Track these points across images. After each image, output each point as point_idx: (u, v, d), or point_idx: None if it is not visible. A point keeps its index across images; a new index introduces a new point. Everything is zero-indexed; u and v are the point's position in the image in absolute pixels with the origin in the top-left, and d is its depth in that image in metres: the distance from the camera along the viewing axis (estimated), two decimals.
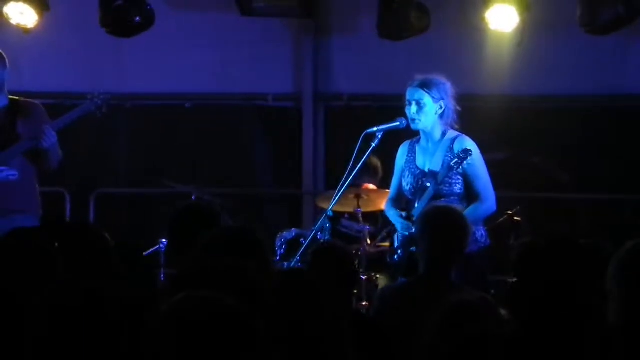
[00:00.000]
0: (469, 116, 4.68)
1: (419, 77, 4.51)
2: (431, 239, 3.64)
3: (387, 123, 4.58)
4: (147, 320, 2.07)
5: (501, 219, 5.24)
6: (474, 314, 2.55)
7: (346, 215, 5.74)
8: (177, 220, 3.61)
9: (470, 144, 4.43)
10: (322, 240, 5.05)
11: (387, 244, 5.07)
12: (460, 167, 4.32)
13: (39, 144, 4.78)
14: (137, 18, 6.30)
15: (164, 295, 2.73)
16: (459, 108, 4.52)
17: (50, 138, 4.78)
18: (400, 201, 4.68)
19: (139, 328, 2.15)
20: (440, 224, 3.66)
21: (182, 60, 7.10)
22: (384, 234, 5.46)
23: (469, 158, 4.31)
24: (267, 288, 2.91)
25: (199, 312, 1.93)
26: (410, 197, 4.57)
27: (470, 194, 4.42)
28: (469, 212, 4.36)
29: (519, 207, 5.32)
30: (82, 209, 7.09)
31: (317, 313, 2.50)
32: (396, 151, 4.68)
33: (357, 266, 3.81)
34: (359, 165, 4.61)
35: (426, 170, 4.50)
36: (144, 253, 5.78)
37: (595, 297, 2.57)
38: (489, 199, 4.43)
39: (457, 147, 4.42)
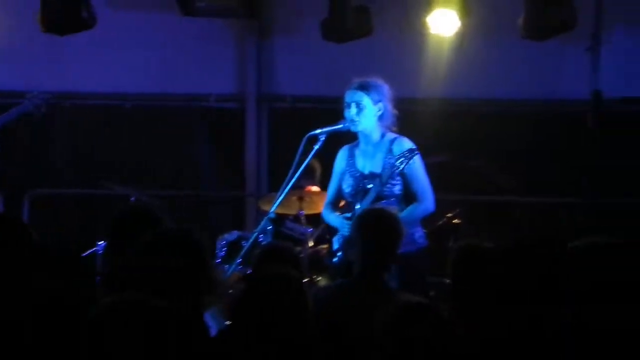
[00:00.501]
0: (409, 119, 4.74)
1: (358, 80, 4.55)
2: (363, 241, 3.67)
3: (331, 125, 4.60)
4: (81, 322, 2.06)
5: (441, 221, 5.32)
6: (422, 315, 2.58)
7: (290, 217, 5.74)
8: (117, 222, 3.56)
9: (409, 144, 4.49)
10: (267, 242, 5.05)
11: (325, 245, 5.09)
12: (405, 167, 4.34)
13: None
14: (79, 17, 6.21)
15: (98, 297, 2.70)
16: (395, 111, 4.57)
17: None
18: (337, 205, 4.71)
19: (75, 328, 2.14)
20: (373, 227, 3.69)
21: (123, 60, 7.01)
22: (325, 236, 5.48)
23: (414, 157, 4.34)
24: (205, 289, 2.91)
25: (124, 315, 1.93)
26: (350, 199, 4.60)
27: (409, 195, 4.47)
28: (407, 212, 4.41)
29: (458, 210, 5.40)
30: (16, 210, 6.94)
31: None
32: (337, 154, 4.71)
33: (302, 268, 3.83)
34: (301, 168, 4.62)
35: (366, 172, 4.53)
36: (81, 255, 5.71)
37: (534, 299, 2.62)
38: (427, 199, 4.48)
39: (396, 149, 4.47)
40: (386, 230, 3.68)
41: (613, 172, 6.63)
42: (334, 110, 4.63)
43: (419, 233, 4.50)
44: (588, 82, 6.51)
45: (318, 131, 4.59)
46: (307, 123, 4.98)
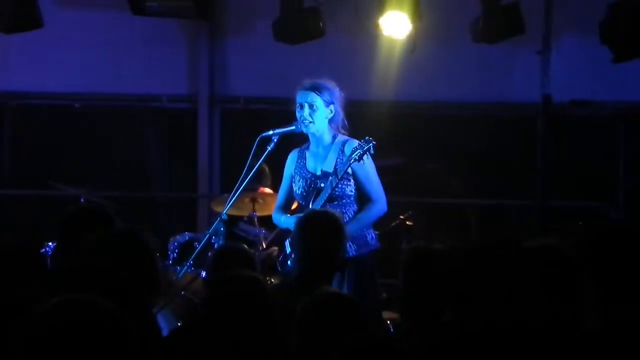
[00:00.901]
0: (361, 121, 4.74)
1: (309, 81, 4.53)
2: (303, 243, 3.64)
3: (283, 127, 4.58)
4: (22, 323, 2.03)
5: (394, 223, 5.33)
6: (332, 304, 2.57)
7: (245, 219, 5.71)
8: (69, 221, 3.51)
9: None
10: (222, 244, 5.00)
11: (276, 248, 5.07)
12: (363, 155, 4.31)
13: None
14: (26, 15, 6.10)
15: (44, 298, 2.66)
16: (343, 113, 4.56)
17: None
18: (288, 208, 4.69)
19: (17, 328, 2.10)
20: (314, 230, 3.66)
21: (72, 59, 6.90)
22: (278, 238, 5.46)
23: (371, 149, 4.30)
24: (154, 290, 2.87)
25: (71, 315, 1.90)
26: (301, 201, 4.58)
27: (361, 196, 4.46)
28: (362, 214, 4.40)
29: (411, 212, 5.42)
30: None
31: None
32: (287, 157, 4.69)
33: (257, 267, 3.79)
34: (254, 169, 4.59)
35: (318, 172, 4.52)
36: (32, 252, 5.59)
37: (486, 301, 2.63)
38: (379, 200, 4.47)
39: (347, 149, 4.46)
40: (328, 233, 3.64)
41: (563, 175, 6.74)
42: (286, 111, 4.60)
43: (371, 235, 4.50)
44: (538, 85, 6.60)
45: (271, 132, 4.56)
46: (259, 124, 4.95)
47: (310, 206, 4.46)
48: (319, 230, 3.64)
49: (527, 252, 2.71)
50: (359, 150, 4.32)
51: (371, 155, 4.33)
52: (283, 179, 4.67)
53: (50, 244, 5.25)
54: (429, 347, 2.57)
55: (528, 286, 2.62)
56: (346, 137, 4.53)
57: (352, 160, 4.32)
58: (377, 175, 4.50)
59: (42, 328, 1.91)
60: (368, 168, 4.44)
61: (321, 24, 6.15)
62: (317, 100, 4.48)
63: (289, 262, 4.54)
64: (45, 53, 6.84)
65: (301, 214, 4.09)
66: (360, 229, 4.39)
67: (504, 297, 2.59)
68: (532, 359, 2.53)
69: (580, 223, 5.89)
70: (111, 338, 1.91)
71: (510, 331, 2.54)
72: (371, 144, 4.31)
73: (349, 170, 4.39)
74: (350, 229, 4.17)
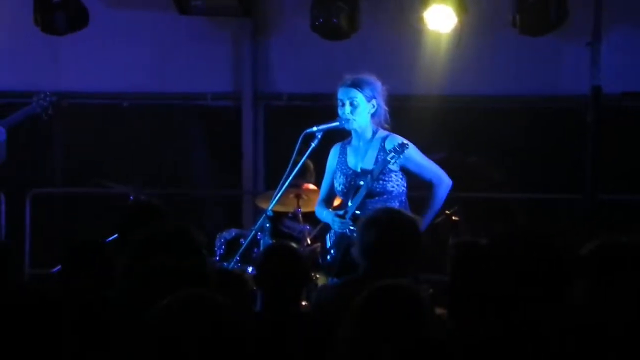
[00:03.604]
0: (405, 116, 4.72)
1: (350, 76, 4.50)
2: (380, 242, 3.57)
3: (327, 123, 4.58)
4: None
5: (439, 219, 5.30)
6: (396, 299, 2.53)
7: (290, 215, 5.73)
8: (129, 216, 3.56)
9: (399, 140, 4.45)
10: (269, 242, 5.04)
11: (319, 243, 5.07)
12: (397, 162, 4.32)
13: None
14: (75, 16, 6.23)
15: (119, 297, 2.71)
16: (386, 107, 4.53)
17: (0, 136, 4.71)
18: (330, 202, 4.69)
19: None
20: (392, 227, 3.60)
21: (119, 59, 7.00)
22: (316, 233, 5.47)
23: (405, 152, 4.32)
24: (206, 287, 2.89)
25: (194, 310, 1.94)
26: (342, 197, 4.58)
27: (422, 183, 4.47)
28: (431, 202, 4.45)
29: (456, 207, 5.37)
30: (18, 209, 6.95)
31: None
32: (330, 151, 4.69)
33: (308, 267, 3.78)
34: (298, 165, 4.60)
35: (358, 169, 4.51)
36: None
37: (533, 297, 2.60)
38: (441, 178, 4.51)
39: (388, 145, 4.44)
40: (404, 233, 3.55)
41: (612, 168, 6.62)
42: (329, 107, 4.60)
43: None
44: (587, 77, 6.49)
45: (314, 129, 4.56)
46: (303, 120, 4.96)
47: (350, 203, 4.46)
48: (401, 231, 3.56)
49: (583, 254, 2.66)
50: (393, 153, 4.34)
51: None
52: (325, 173, 4.67)
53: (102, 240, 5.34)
54: (478, 343, 2.54)
55: (575, 283, 2.58)
56: (387, 133, 4.51)
57: (387, 164, 4.33)
58: (425, 158, 4.51)
59: (165, 323, 1.92)
60: (414, 157, 4.43)
61: (358, 19, 6.13)
62: (358, 96, 4.46)
63: (327, 257, 4.55)
64: (93, 53, 6.95)
65: (371, 213, 4.01)
66: (437, 212, 4.54)
67: (550, 295, 2.56)
68: (579, 357, 2.49)
69: None
70: (231, 332, 1.92)
71: (557, 329, 2.51)
72: (406, 148, 4.33)
73: (394, 167, 4.38)
74: (428, 218, 4.29)
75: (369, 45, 6.48)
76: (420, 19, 6.05)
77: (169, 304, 1.97)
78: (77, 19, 6.25)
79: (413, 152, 4.40)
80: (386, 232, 3.51)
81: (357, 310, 2.46)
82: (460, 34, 6.13)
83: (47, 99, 5.00)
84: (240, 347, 1.94)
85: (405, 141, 4.40)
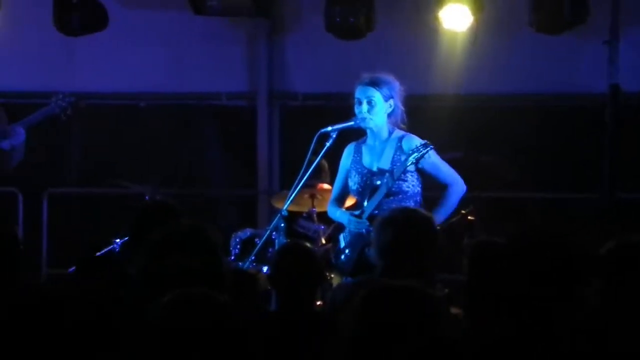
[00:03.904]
0: (421, 115, 4.70)
1: (368, 75, 4.49)
2: (397, 241, 3.55)
3: (342, 122, 4.57)
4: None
5: (455, 218, 5.28)
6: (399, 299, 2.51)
7: (304, 215, 5.73)
8: (139, 218, 3.57)
9: (418, 141, 4.43)
10: (283, 242, 5.03)
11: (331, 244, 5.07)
12: (419, 161, 4.30)
13: (9, 142, 4.73)
14: (93, 17, 6.26)
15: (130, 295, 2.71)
16: (403, 108, 4.52)
17: (19, 136, 4.75)
18: (343, 202, 4.68)
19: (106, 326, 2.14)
20: (408, 226, 3.58)
21: (135, 59, 7.03)
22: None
23: (428, 151, 4.29)
24: (218, 287, 2.89)
25: (191, 309, 1.92)
26: (357, 196, 4.56)
27: (438, 185, 4.47)
28: (444, 202, 4.42)
29: (472, 206, 5.35)
30: (35, 208, 6.99)
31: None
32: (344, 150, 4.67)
33: (322, 266, 3.77)
34: (313, 165, 4.59)
35: (374, 169, 4.50)
36: (98, 253, 5.73)
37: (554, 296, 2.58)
38: (455, 182, 4.49)
39: (405, 145, 4.43)
40: (421, 232, 3.55)
41: (630, 166, 6.56)
42: (345, 107, 4.59)
43: None
44: (605, 75, 6.44)
45: (329, 128, 4.56)
46: (318, 120, 4.95)
47: (366, 203, 4.45)
48: (409, 226, 3.55)
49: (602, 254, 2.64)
50: (415, 154, 4.30)
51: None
52: (338, 172, 4.66)
53: (117, 240, 5.37)
54: (494, 342, 2.53)
55: (590, 284, 2.56)
56: (403, 132, 4.50)
57: (409, 163, 4.31)
58: (443, 161, 4.49)
59: (163, 322, 1.92)
60: (432, 159, 4.42)
61: (373, 18, 6.12)
62: (376, 95, 4.45)
63: (342, 257, 4.53)
64: (110, 54, 6.98)
65: (388, 213, 3.99)
66: (447, 215, 4.47)
67: (567, 294, 2.54)
68: (596, 357, 2.47)
69: None
70: (229, 331, 1.92)
71: (571, 329, 2.49)
72: (429, 148, 4.30)
73: (411, 167, 4.37)
74: (437, 219, 4.20)
75: (385, 45, 6.47)
76: (435, 18, 6.03)
77: (167, 303, 1.96)
78: (96, 20, 6.28)
79: (431, 153, 4.38)
80: (402, 232, 3.50)
81: (356, 310, 2.45)
82: (476, 32, 6.10)
83: (66, 99, 5.03)
84: (241, 346, 1.93)
85: (426, 141, 4.37)
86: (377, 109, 4.45)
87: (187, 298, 1.98)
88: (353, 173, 4.56)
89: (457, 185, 4.49)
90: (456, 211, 5.06)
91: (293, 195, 4.67)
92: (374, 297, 2.42)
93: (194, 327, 1.91)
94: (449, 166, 4.51)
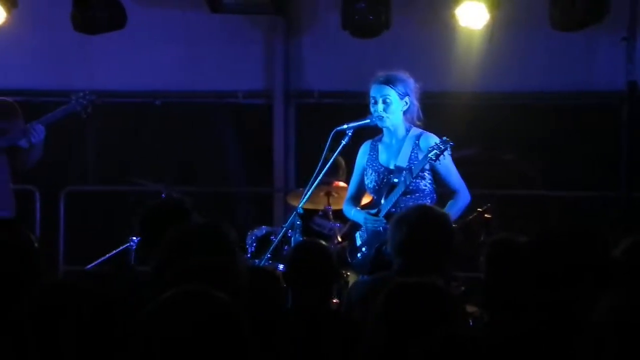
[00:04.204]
0: (438, 113, 4.70)
1: (383, 73, 4.48)
2: (412, 239, 3.54)
3: (358, 120, 4.57)
4: (128, 316, 2.06)
5: (472, 216, 5.26)
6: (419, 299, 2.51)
7: (320, 213, 5.73)
8: (151, 217, 3.58)
9: (436, 139, 4.42)
10: (297, 239, 5.04)
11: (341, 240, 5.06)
12: (441, 157, 4.28)
13: (28, 140, 4.75)
14: (110, 16, 6.28)
15: (141, 292, 2.71)
16: (419, 104, 4.50)
17: (39, 134, 4.76)
18: (359, 200, 4.67)
19: (114, 324, 2.15)
20: (424, 224, 3.58)
21: (151, 57, 7.05)
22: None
23: (448, 149, 4.28)
24: (239, 284, 2.90)
25: (188, 306, 1.92)
26: (373, 194, 4.55)
27: (444, 189, 4.43)
28: (449, 207, 4.37)
29: (489, 204, 5.33)
30: (52, 206, 7.03)
31: None
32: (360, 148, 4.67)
33: (337, 264, 3.76)
34: (329, 163, 4.59)
35: (391, 167, 4.49)
36: (114, 251, 5.76)
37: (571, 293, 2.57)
38: (462, 190, 4.46)
39: (423, 144, 4.42)
40: (438, 228, 3.53)
41: None
42: (360, 105, 4.59)
43: None
44: (622, 73, 6.40)
45: (345, 126, 4.55)
46: (334, 118, 4.95)
47: (383, 201, 4.44)
48: (434, 226, 3.54)
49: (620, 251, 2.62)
50: (435, 151, 4.28)
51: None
52: (354, 170, 4.65)
53: (134, 238, 5.40)
54: (511, 340, 2.52)
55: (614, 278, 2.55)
56: (420, 130, 4.48)
57: (428, 160, 4.29)
58: (455, 168, 4.46)
59: (160, 319, 1.92)
60: (447, 162, 4.39)
61: (390, 16, 6.10)
62: (391, 94, 4.44)
63: (358, 255, 4.53)
64: (126, 52, 7.01)
65: (405, 210, 3.98)
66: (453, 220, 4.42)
67: (586, 292, 2.52)
68: (620, 354, 2.45)
69: None
70: (227, 329, 1.92)
71: (594, 323, 2.47)
72: (449, 145, 4.27)
73: (427, 166, 4.36)
74: None
75: (401, 43, 6.45)
76: (452, 16, 6.01)
77: (166, 301, 1.96)
78: (114, 19, 6.30)
79: (448, 156, 4.36)
80: (418, 229, 3.50)
81: (379, 309, 2.45)
82: (492, 30, 6.07)
83: (87, 97, 5.05)
84: (239, 344, 1.92)
85: (445, 138, 4.34)
86: (393, 108, 4.45)
87: (185, 295, 1.96)
88: (369, 171, 4.55)
89: (465, 194, 4.46)
90: (473, 209, 5.04)
91: (309, 193, 4.67)
92: (394, 294, 2.43)
93: (191, 324, 1.90)
94: (459, 175, 4.47)
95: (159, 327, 1.91)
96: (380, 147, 4.55)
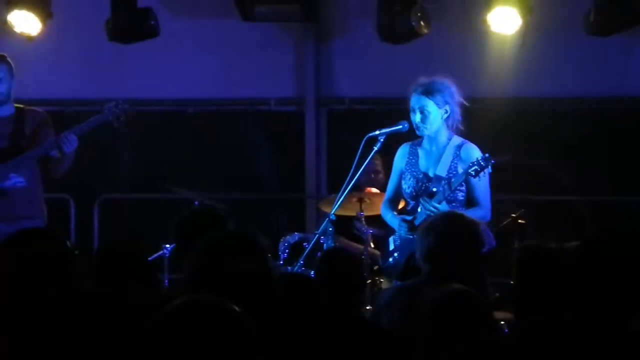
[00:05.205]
0: (471, 119, 4.66)
1: (423, 81, 4.44)
2: (439, 247, 3.54)
3: (390, 126, 4.56)
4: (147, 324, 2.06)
5: (506, 222, 5.22)
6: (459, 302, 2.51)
7: (357, 217, 5.72)
8: (184, 225, 3.60)
9: (477, 152, 4.38)
10: (330, 245, 5.04)
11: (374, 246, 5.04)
12: (481, 174, 4.24)
13: (61, 150, 4.81)
14: (144, 25, 6.34)
15: (169, 301, 2.73)
16: (460, 110, 4.48)
17: (72, 144, 4.82)
18: (397, 202, 4.65)
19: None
20: (450, 231, 3.57)
21: (184, 66, 7.11)
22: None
23: (489, 167, 4.24)
24: (268, 292, 2.90)
25: (197, 315, 1.92)
26: (410, 200, 4.54)
27: (469, 201, 4.40)
28: (469, 213, 4.33)
29: (523, 210, 5.29)
30: (87, 214, 7.11)
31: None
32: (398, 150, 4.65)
33: (364, 271, 3.75)
34: (361, 169, 4.59)
35: (431, 174, 4.46)
36: (148, 258, 5.80)
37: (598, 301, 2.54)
38: (485, 207, 4.42)
39: (464, 155, 4.38)
40: (465, 234, 3.52)
41: None
42: (392, 111, 4.59)
43: (489, 234, 4.42)
44: None
45: (377, 132, 4.55)
46: (365, 124, 4.95)
47: (420, 209, 4.42)
48: (451, 232, 3.53)
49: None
50: (476, 167, 4.24)
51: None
52: (392, 173, 4.64)
53: (167, 246, 5.44)
54: (545, 347, 2.50)
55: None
56: (462, 140, 4.45)
57: (468, 175, 4.26)
58: (487, 183, 4.42)
59: (167, 328, 1.91)
60: (484, 180, 4.35)
61: (426, 24, 6.07)
62: (429, 105, 4.42)
63: (389, 260, 4.51)
64: (159, 61, 7.07)
65: (433, 217, 3.97)
66: None
67: (620, 299, 2.49)
68: None
69: None
70: (235, 339, 1.91)
71: (630, 330, 2.44)
72: (490, 163, 4.23)
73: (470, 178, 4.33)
74: None
75: (432, 49, 6.43)
76: (484, 21, 5.98)
77: (173, 310, 1.95)
78: (148, 29, 6.36)
79: (487, 172, 4.31)
80: (445, 237, 3.50)
81: (426, 315, 2.45)
82: (524, 35, 6.03)
83: (119, 106, 5.10)
84: (243, 354, 1.91)
85: (488, 155, 4.27)
86: (431, 118, 4.43)
87: (192, 305, 1.95)
88: (408, 176, 4.53)
89: (487, 212, 4.41)
90: (507, 214, 5.01)
91: (341, 199, 4.67)
92: (441, 300, 2.43)
93: (197, 333, 1.89)
94: (489, 192, 4.42)
95: (160, 335, 1.91)
96: (420, 152, 4.53)
